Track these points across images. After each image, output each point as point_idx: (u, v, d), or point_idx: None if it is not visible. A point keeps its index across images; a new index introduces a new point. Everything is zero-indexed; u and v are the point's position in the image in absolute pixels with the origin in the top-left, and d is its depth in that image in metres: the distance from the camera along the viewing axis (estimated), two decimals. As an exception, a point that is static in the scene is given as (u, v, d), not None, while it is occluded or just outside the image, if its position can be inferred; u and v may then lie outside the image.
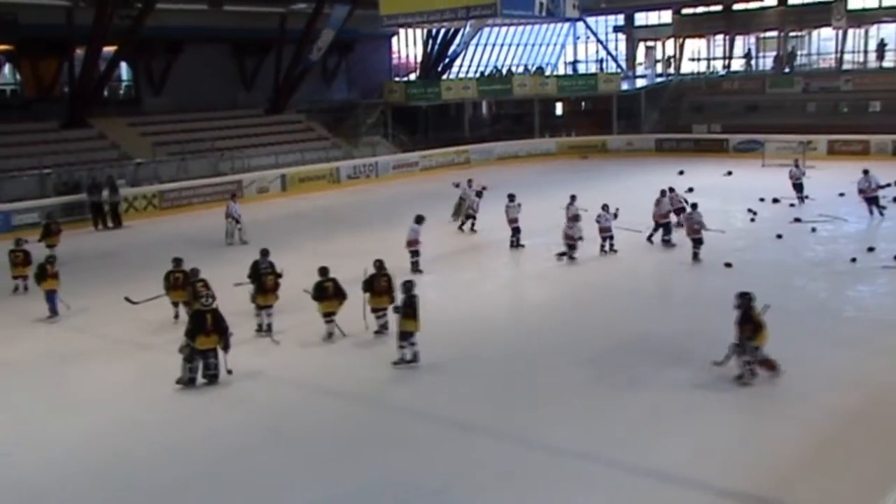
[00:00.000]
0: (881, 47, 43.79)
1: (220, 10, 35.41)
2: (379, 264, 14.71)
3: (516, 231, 21.75)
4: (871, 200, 23.91)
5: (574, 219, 20.35)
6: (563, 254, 20.02)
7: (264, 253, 15.65)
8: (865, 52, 44.72)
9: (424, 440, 10.83)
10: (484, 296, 17.72)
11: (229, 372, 12.79)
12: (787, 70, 45.64)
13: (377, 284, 14.46)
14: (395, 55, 48.74)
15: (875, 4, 43.23)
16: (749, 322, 11.87)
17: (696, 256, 19.48)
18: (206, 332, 12.47)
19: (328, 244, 22.59)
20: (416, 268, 19.00)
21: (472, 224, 24.31)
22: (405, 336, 13.20)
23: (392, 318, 14.06)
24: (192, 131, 34.35)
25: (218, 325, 12.59)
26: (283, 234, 23.42)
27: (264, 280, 14.99)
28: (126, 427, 11.37)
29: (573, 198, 21.72)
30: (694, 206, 20.35)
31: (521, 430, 10.91)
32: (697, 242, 19.49)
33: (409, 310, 13.13)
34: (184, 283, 15.42)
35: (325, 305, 14.61)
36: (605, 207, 20.66)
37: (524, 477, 9.68)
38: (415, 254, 19.33)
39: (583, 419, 11.17)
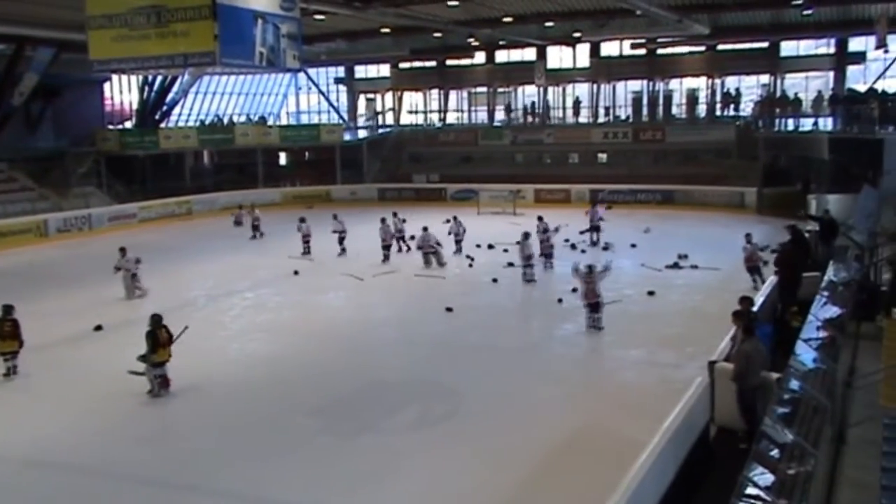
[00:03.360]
0: (576, 104, 48.03)
1: None
2: (5, 309, 15.39)
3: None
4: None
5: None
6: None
7: None
8: (564, 108, 48.77)
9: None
10: (208, 351, 17.12)
11: None
12: (534, 121, 48.44)
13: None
14: (108, 101, 46.36)
15: (570, 66, 47.38)
16: (151, 340, 13.97)
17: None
18: None
19: (30, 304, 20.78)
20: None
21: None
22: None
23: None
24: None
25: None
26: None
27: None
28: None
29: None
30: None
31: (246, 489, 10.64)
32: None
33: None
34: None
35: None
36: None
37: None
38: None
39: (312, 470, 11.10)
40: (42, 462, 11.58)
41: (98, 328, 18.58)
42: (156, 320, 14.34)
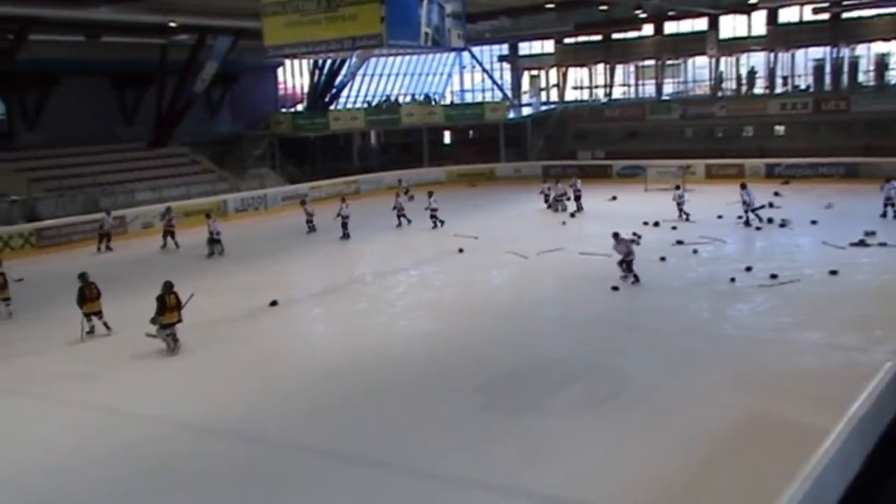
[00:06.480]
0: (751, 75, 45.85)
1: (97, 42, 34.41)
2: (83, 276, 16.90)
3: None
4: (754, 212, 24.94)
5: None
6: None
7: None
8: (738, 79, 46.68)
9: (313, 475, 10.54)
10: (375, 327, 17.51)
11: None
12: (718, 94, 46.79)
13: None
14: (281, 86, 48.33)
15: (744, 34, 45.27)
16: (159, 303, 15.39)
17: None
18: None
19: (211, 280, 21.97)
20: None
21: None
22: None
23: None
24: (71, 167, 33.26)
25: None
26: (165, 271, 22.62)
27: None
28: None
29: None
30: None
31: (412, 462, 10.76)
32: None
33: None
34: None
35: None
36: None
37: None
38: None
39: (475, 447, 11.08)
40: (216, 430, 12.15)
41: (273, 303, 19.33)
42: (167, 286, 15.64)
